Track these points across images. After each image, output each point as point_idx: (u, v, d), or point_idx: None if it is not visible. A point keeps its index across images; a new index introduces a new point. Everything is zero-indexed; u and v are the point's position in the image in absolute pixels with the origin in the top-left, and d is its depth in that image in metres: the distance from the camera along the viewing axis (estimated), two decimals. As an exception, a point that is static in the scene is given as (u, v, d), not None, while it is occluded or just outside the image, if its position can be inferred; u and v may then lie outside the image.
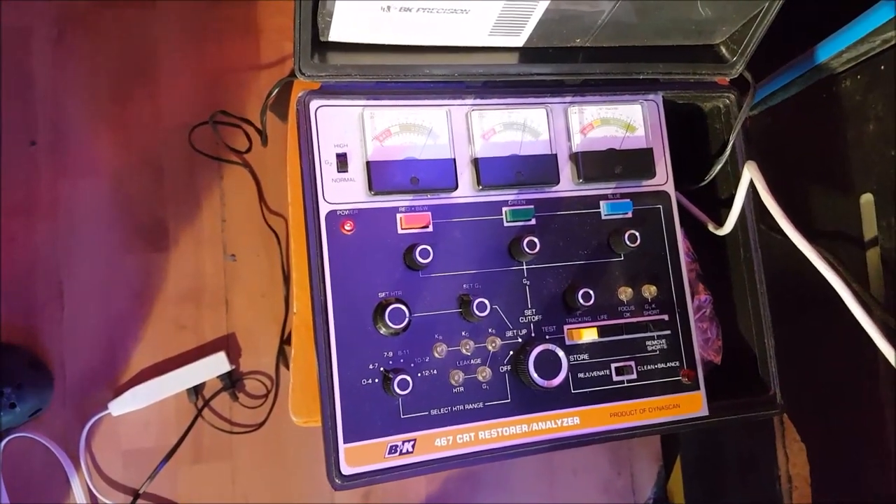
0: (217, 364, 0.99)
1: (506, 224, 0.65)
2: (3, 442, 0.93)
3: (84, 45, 1.02)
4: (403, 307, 0.59)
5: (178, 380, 0.98)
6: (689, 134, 0.77)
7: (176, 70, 1.04)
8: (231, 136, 1.04)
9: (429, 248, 0.61)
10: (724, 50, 0.70)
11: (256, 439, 1.01)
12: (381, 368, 0.60)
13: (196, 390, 0.99)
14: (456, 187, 0.64)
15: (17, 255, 0.97)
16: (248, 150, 1.03)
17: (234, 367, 1.01)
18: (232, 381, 1.01)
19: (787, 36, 0.69)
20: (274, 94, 0.68)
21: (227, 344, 1.02)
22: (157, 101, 1.03)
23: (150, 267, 1.01)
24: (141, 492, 0.97)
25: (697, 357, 0.69)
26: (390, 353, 0.61)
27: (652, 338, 0.68)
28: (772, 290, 0.72)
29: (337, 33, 0.59)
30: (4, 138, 0.97)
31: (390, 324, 0.59)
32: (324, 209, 0.61)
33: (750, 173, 0.68)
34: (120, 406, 0.97)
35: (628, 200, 0.69)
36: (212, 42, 1.05)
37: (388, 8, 0.56)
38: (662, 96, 0.71)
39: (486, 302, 0.61)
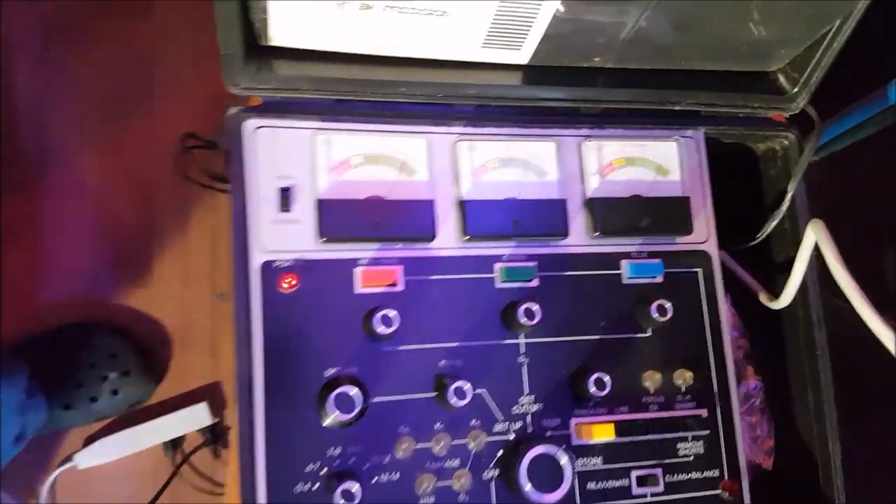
0: (198, 416, 0.94)
1: (498, 285, 0.58)
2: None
3: (70, 58, 1.00)
4: (356, 389, 0.50)
5: (153, 432, 0.93)
6: (737, 181, 0.72)
7: (172, 88, 1.02)
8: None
9: (392, 313, 0.52)
10: (782, 78, 0.65)
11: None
12: (324, 471, 0.51)
13: (174, 444, 0.94)
14: (434, 237, 0.57)
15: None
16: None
17: (216, 419, 0.95)
18: (214, 436, 0.95)
19: (858, 67, 0.65)
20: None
21: (214, 393, 0.97)
22: (151, 120, 1.01)
23: (131, 303, 0.97)
24: (107, 557, 0.94)
25: (743, 463, 0.61)
26: (337, 451, 0.51)
27: (685, 438, 0.60)
28: (839, 378, 0.66)
29: (279, 36, 0.53)
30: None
31: (334, 412, 0.49)
32: (257, 259, 0.53)
33: (815, 234, 0.62)
34: (88, 458, 0.91)
35: (658, 261, 0.62)
36: (211, 59, 1.00)
37: (343, 5, 0.49)
38: (704, 133, 0.66)
39: (467, 386, 0.52)
